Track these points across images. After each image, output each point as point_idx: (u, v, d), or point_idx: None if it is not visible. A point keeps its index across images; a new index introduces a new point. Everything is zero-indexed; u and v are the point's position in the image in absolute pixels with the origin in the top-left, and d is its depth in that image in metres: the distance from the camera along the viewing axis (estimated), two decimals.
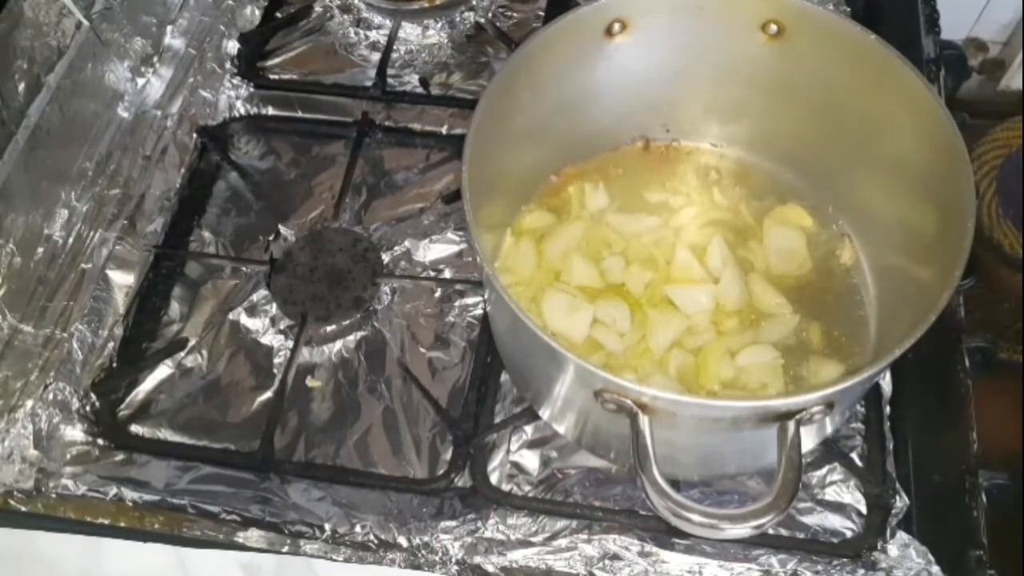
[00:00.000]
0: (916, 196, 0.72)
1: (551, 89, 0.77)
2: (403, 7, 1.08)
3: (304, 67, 1.07)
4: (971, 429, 0.80)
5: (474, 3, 1.10)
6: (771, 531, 0.75)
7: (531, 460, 0.80)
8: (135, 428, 0.85)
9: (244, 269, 0.93)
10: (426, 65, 1.06)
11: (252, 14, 1.10)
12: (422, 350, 0.87)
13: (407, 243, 0.93)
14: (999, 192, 0.88)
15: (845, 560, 0.74)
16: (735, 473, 0.78)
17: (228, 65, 1.05)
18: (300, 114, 1.03)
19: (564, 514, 0.77)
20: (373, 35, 1.09)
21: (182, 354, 0.88)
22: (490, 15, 1.09)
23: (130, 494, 0.79)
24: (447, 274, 0.91)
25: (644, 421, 0.59)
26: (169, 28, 1.08)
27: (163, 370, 0.88)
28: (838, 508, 0.77)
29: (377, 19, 1.10)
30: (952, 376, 0.82)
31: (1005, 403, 0.81)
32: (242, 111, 1.04)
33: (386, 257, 0.92)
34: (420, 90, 1.04)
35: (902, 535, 0.74)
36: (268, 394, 0.85)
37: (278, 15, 1.11)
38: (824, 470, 0.79)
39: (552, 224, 0.84)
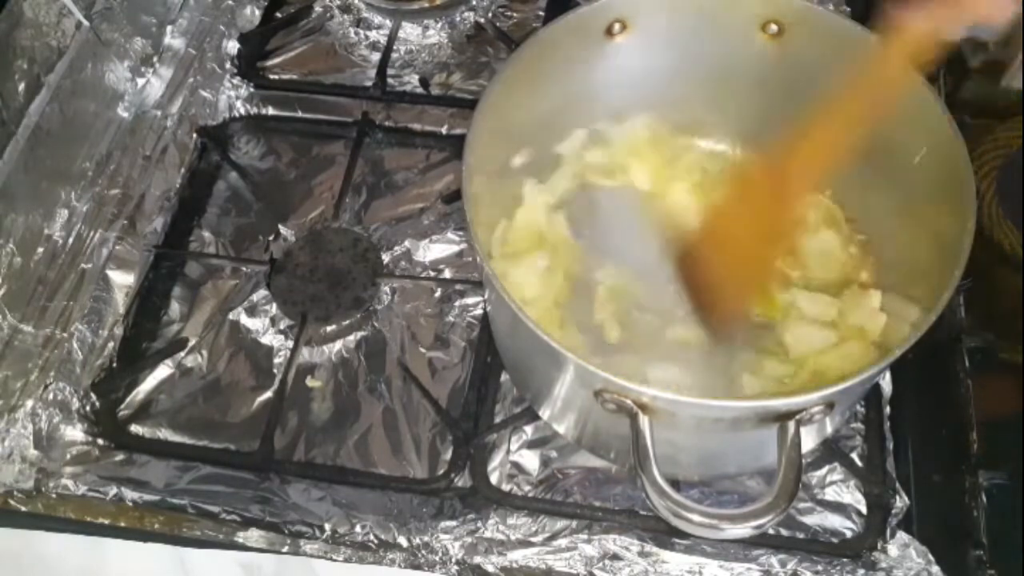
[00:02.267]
0: (916, 196, 0.72)
1: (551, 89, 0.77)
2: (403, 7, 1.08)
3: (304, 67, 1.07)
4: (971, 429, 0.80)
5: (474, 3, 1.10)
6: (771, 531, 0.75)
7: (531, 460, 0.80)
8: (135, 428, 0.85)
9: (244, 269, 0.93)
10: (426, 65, 1.06)
11: (252, 14, 1.10)
12: (422, 350, 0.87)
13: (407, 243, 0.93)
14: (999, 192, 0.88)
15: (845, 560, 0.74)
16: (735, 473, 0.78)
17: (228, 65, 1.05)
18: (300, 114, 1.03)
19: (564, 514, 0.77)
20: (373, 35, 1.09)
21: (182, 354, 0.88)
22: (490, 15, 1.09)
23: (130, 494, 0.79)
24: (447, 274, 0.91)
25: (644, 421, 0.59)
26: (169, 28, 1.08)
27: (163, 370, 0.88)
28: (838, 508, 0.77)
29: (377, 19, 1.10)
30: (952, 376, 0.82)
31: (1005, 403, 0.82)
32: (242, 111, 1.04)
33: (386, 257, 0.92)
34: (420, 90, 1.04)
35: (902, 535, 0.74)
36: (268, 394, 0.85)
37: (278, 15, 1.11)
38: (824, 470, 0.79)
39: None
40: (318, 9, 1.11)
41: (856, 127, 0.66)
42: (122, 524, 0.78)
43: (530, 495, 0.79)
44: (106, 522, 0.78)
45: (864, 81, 0.65)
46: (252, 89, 1.04)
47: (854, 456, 0.79)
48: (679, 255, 0.75)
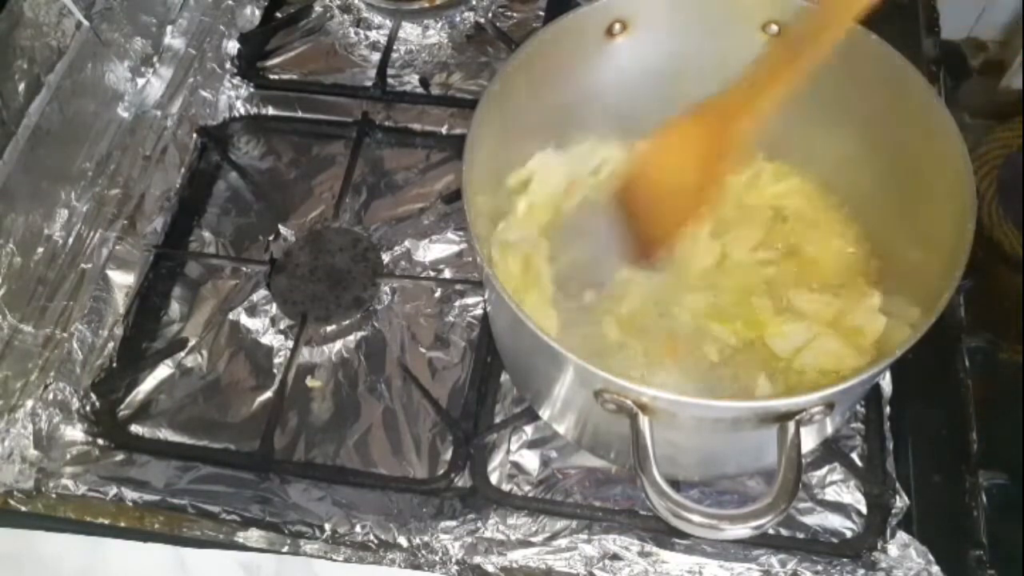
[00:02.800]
0: (916, 196, 0.72)
1: (551, 89, 0.77)
2: (403, 7, 1.08)
3: (304, 67, 1.07)
4: (971, 429, 0.80)
5: (474, 3, 1.10)
6: (771, 531, 0.75)
7: (531, 460, 0.80)
8: (135, 428, 0.85)
9: (244, 269, 0.93)
10: (426, 65, 1.06)
11: (252, 14, 1.10)
12: (422, 350, 0.87)
13: (407, 243, 0.93)
14: (999, 192, 0.88)
15: (845, 560, 0.74)
16: (735, 473, 0.78)
17: (228, 65, 1.05)
18: (300, 114, 1.03)
19: (564, 514, 0.77)
20: (373, 35, 1.09)
21: (182, 354, 0.88)
22: (490, 15, 1.09)
23: (130, 494, 0.79)
24: (447, 274, 0.91)
25: (644, 421, 0.58)
26: (169, 28, 1.08)
27: (163, 370, 0.88)
28: (838, 508, 0.77)
29: (377, 19, 1.10)
30: (952, 376, 0.82)
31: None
32: (242, 111, 1.04)
33: (386, 257, 0.92)
34: (420, 90, 1.04)
35: (902, 535, 0.74)
36: (268, 394, 0.85)
37: (278, 15, 1.11)
38: (824, 470, 0.79)
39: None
40: (318, 9, 1.11)
41: (790, 77, 0.66)
42: (122, 524, 0.78)
43: (530, 495, 0.79)
44: (106, 522, 0.78)
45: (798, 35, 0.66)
46: (252, 89, 1.04)
47: (854, 456, 0.79)
48: (618, 191, 0.76)
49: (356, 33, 1.09)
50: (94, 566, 0.77)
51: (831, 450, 0.78)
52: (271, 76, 1.06)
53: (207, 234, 0.96)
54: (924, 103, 0.68)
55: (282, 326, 0.89)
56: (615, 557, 0.75)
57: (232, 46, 1.07)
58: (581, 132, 0.84)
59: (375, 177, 0.99)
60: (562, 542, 0.75)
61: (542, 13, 1.09)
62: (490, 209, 0.78)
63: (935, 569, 0.73)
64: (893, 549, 0.74)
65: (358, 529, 0.76)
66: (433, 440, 0.82)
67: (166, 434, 0.84)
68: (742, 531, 0.56)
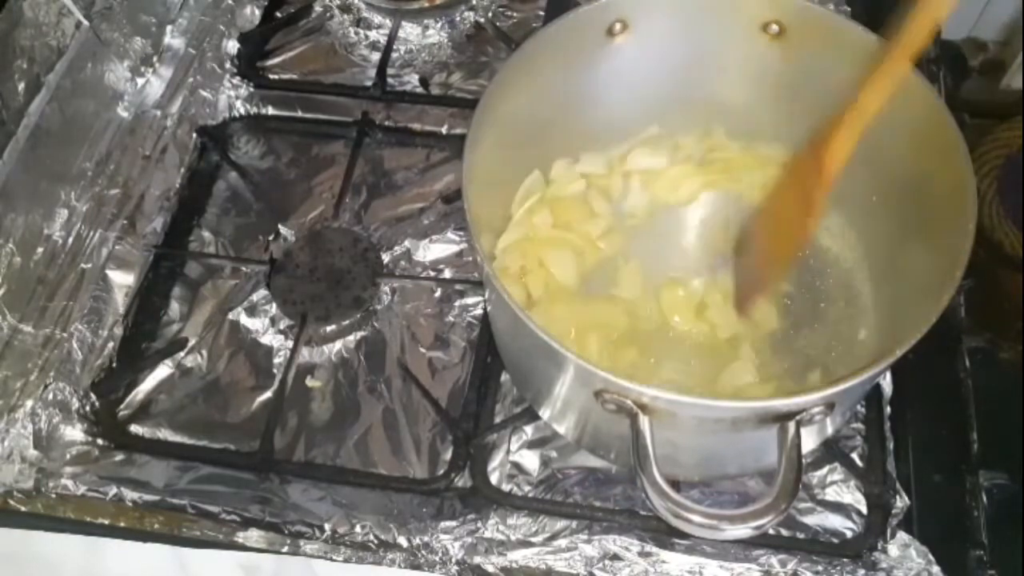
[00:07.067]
0: (916, 196, 0.72)
1: (551, 89, 0.77)
2: (403, 7, 1.08)
3: (304, 67, 1.07)
4: (971, 429, 0.80)
5: (474, 3, 1.09)
6: (771, 531, 0.75)
7: (531, 460, 0.80)
8: (135, 428, 0.85)
9: (244, 269, 0.93)
10: (426, 65, 1.06)
11: (252, 14, 1.10)
12: (422, 350, 0.87)
13: (407, 243, 0.93)
14: (999, 192, 0.88)
15: (845, 560, 0.74)
16: (735, 474, 0.78)
17: (228, 65, 1.05)
18: (300, 114, 1.03)
19: (564, 514, 0.77)
20: (373, 35, 1.09)
21: (182, 354, 0.88)
22: (490, 15, 1.09)
23: (130, 494, 0.79)
24: (447, 274, 0.91)
25: (644, 421, 0.58)
26: (169, 28, 1.07)
27: (163, 370, 0.88)
28: (838, 508, 0.77)
29: (377, 19, 1.10)
30: (952, 376, 0.82)
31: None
32: (242, 111, 1.04)
33: (386, 257, 0.92)
34: (420, 90, 1.04)
35: (902, 535, 0.74)
36: (268, 394, 0.85)
37: (278, 15, 1.11)
38: (824, 470, 0.79)
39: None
40: (318, 9, 1.11)
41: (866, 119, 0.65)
42: (122, 524, 0.78)
43: (530, 495, 0.79)
44: (106, 522, 0.78)
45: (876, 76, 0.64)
46: (252, 89, 1.04)
47: (854, 456, 0.79)
48: (740, 235, 0.79)
49: (356, 33, 1.09)
50: (94, 566, 0.77)
51: (831, 450, 0.78)
52: (271, 76, 1.06)
53: (207, 234, 0.96)
54: (924, 103, 0.68)
55: (282, 326, 0.88)
56: (615, 557, 0.75)
57: (232, 46, 1.07)
58: (581, 132, 0.85)
59: (375, 177, 0.99)
60: (562, 542, 0.75)
61: (542, 13, 1.09)
62: (490, 210, 0.78)
63: (935, 569, 0.73)
64: (893, 549, 0.74)
65: (358, 529, 0.76)
66: (433, 440, 0.82)
67: (166, 434, 0.84)
68: (742, 531, 0.56)
